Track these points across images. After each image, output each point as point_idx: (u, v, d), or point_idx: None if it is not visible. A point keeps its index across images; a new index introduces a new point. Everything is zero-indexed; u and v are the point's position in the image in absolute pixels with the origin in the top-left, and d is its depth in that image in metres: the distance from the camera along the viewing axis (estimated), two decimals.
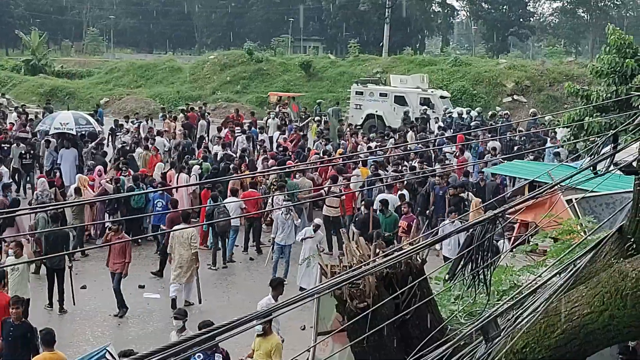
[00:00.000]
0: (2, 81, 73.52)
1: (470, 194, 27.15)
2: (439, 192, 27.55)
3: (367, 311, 6.86)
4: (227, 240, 26.24)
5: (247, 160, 32.63)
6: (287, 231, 24.11)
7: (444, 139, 36.47)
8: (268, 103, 58.54)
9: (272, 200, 27.20)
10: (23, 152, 33.45)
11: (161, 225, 26.33)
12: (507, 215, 9.23)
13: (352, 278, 6.56)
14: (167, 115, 47.10)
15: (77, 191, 26.64)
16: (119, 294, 21.35)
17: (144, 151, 34.19)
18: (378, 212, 25.11)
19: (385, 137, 39.40)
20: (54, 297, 21.39)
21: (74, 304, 21.53)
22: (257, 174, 28.18)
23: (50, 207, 23.26)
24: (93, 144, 34.15)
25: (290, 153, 34.76)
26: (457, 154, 33.98)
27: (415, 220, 23.69)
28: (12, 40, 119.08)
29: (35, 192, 27.48)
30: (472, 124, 44.49)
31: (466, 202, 26.43)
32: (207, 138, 41.77)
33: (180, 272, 21.93)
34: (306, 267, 21.28)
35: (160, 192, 26.41)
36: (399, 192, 26.69)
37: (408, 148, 32.69)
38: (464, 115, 46.86)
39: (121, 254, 21.36)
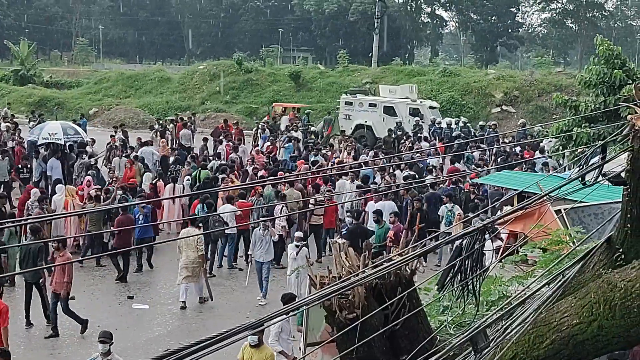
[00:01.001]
0: None
1: (456, 206, 27.14)
2: (403, 204, 27.70)
3: (357, 322, 6.85)
4: (216, 249, 26.41)
5: (241, 170, 32.65)
6: (264, 247, 23.61)
7: (430, 149, 36.55)
8: (272, 114, 58.09)
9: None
10: (20, 166, 33.23)
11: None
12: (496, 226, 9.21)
13: (341, 289, 6.55)
14: (158, 126, 47.23)
15: (97, 199, 26.65)
16: (55, 313, 20.74)
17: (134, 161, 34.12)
18: (373, 222, 25.14)
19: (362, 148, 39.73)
20: (35, 311, 21.21)
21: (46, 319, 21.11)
22: (242, 186, 28.12)
23: (21, 221, 23.05)
24: (93, 159, 34.02)
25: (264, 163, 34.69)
26: (441, 166, 33.97)
27: (404, 231, 23.74)
28: (0, 50, 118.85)
29: (26, 203, 27.24)
30: (453, 134, 44.64)
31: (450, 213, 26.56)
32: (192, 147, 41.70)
33: (187, 273, 22.69)
34: (295, 278, 21.14)
35: (143, 205, 26.14)
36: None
37: (397, 159, 32.80)
38: (453, 126, 46.93)
39: (62, 272, 20.32)
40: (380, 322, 7.05)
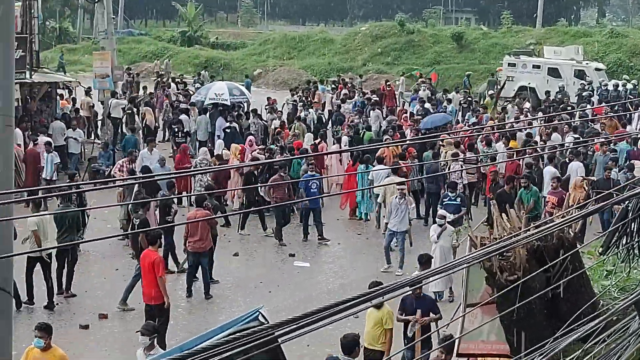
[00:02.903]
0: (159, 52, 75.26)
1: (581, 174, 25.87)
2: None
3: (517, 284, 6.82)
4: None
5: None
6: (400, 216, 22.42)
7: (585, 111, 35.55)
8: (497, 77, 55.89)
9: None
10: (176, 130, 33.92)
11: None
12: None
13: (501, 249, 6.53)
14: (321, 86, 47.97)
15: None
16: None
17: (297, 122, 34.42)
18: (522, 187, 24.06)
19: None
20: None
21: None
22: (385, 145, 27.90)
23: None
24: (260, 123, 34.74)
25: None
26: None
27: (566, 195, 23.06)
28: (169, 12, 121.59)
29: (194, 160, 27.87)
30: (583, 94, 43.52)
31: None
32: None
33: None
34: (453, 242, 20.26)
35: (312, 171, 25.76)
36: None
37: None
38: (620, 88, 45.71)
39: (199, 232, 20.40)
40: (542, 285, 7.00)
